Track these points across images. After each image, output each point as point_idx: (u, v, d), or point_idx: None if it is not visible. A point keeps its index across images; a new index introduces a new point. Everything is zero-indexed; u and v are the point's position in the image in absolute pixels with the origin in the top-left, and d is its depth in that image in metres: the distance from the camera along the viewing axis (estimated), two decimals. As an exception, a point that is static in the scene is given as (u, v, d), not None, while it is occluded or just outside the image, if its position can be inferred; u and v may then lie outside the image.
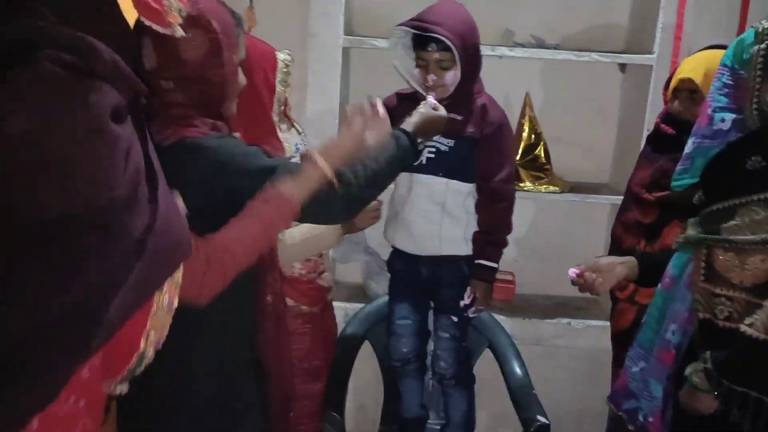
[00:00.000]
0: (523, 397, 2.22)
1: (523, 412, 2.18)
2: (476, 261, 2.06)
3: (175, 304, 1.07)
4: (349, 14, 2.66)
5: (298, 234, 1.85)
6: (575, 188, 2.71)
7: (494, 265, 2.07)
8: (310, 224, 1.78)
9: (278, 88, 1.90)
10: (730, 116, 1.47)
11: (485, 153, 1.99)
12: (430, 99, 1.84)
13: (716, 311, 1.42)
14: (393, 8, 2.68)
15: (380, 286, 2.63)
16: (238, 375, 1.48)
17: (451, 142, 1.97)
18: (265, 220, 1.32)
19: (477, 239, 2.06)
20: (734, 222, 1.40)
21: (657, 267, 1.68)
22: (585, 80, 2.80)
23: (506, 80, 2.73)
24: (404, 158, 1.64)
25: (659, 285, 1.64)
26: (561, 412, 2.59)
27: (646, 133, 2.54)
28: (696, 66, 2.02)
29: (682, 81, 2.04)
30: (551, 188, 2.66)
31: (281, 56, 1.91)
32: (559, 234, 2.89)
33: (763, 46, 1.39)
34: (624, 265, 1.78)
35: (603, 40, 2.76)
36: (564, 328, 2.71)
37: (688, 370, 1.46)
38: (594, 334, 2.63)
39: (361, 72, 2.77)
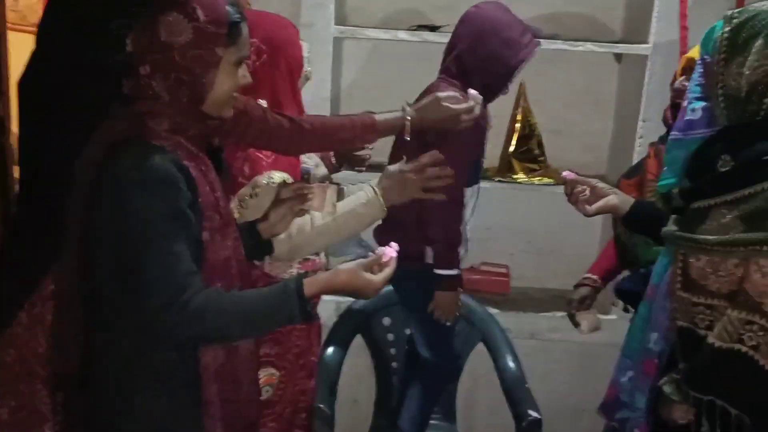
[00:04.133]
0: (516, 392, 2.20)
1: (515, 407, 2.16)
2: None
3: None
4: (341, 4, 2.62)
5: (328, 212, 1.62)
6: (571, 180, 2.67)
7: None
8: (350, 199, 1.66)
9: (305, 66, 1.89)
10: (699, 104, 1.44)
11: None
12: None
13: (696, 320, 1.37)
14: (385, -1, 2.67)
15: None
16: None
17: None
18: None
19: None
20: (705, 226, 1.35)
21: (650, 216, 1.61)
22: (581, 71, 2.76)
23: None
24: (280, 322, 1.36)
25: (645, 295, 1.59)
26: (557, 407, 2.55)
27: (641, 124, 2.51)
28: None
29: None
30: (545, 180, 2.62)
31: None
32: (555, 226, 2.85)
33: (727, 29, 1.36)
34: (618, 198, 1.68)
35: (600, 29, 2.73)
36: (560, 322, 2.66)
37: (661, 381, 1.44)
38: (590, 328, 2.59)
39: (353, 63, 2.74)
